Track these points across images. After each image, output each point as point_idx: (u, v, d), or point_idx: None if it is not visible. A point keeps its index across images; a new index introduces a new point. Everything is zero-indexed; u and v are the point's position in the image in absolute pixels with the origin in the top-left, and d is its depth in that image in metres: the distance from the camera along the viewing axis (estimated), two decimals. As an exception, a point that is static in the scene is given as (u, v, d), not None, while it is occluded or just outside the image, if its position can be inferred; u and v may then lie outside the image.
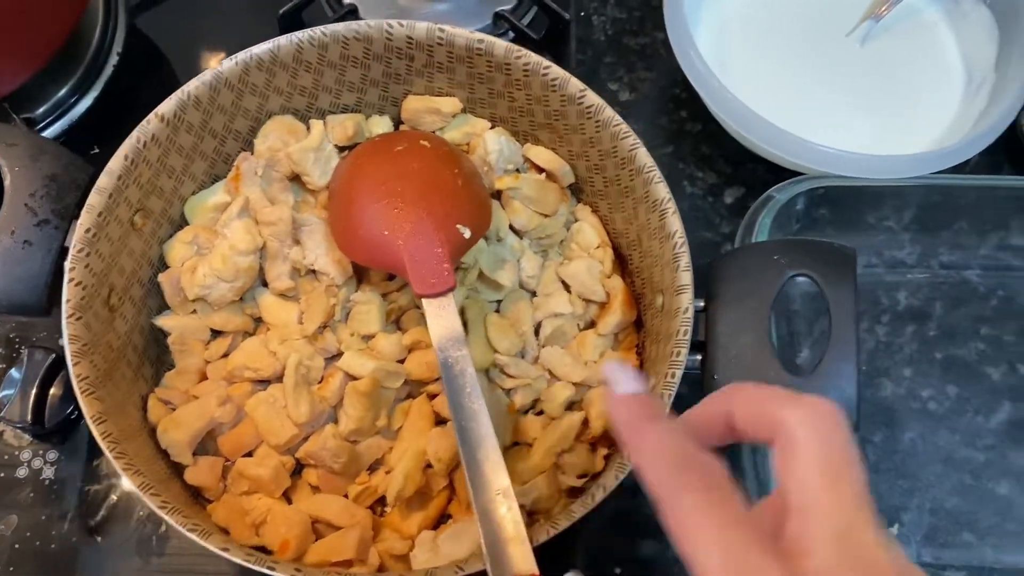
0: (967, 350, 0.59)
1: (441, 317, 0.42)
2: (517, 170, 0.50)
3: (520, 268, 0.49)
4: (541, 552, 0.37)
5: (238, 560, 0.38)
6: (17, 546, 0.52)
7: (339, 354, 0.48)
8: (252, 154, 0.51)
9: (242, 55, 0.47)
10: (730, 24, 0.64)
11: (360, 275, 0.49)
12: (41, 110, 0.62)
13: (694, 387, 0.43)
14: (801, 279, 0.41)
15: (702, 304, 0.42)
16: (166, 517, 0.39)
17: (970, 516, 0.55)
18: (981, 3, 0.63)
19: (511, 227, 0.50)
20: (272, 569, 0.38)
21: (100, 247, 0.44)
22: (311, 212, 0.50)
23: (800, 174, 0.57)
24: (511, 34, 0.67)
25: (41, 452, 0.53)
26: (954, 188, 0.60)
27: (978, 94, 0.61)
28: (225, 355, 0.49)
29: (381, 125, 0.52)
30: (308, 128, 0.51)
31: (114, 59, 0.63)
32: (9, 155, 0.45)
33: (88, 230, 0.43)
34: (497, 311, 0.49)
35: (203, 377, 0.49)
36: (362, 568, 0.44)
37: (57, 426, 0.52)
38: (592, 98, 0.45)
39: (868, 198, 0.61)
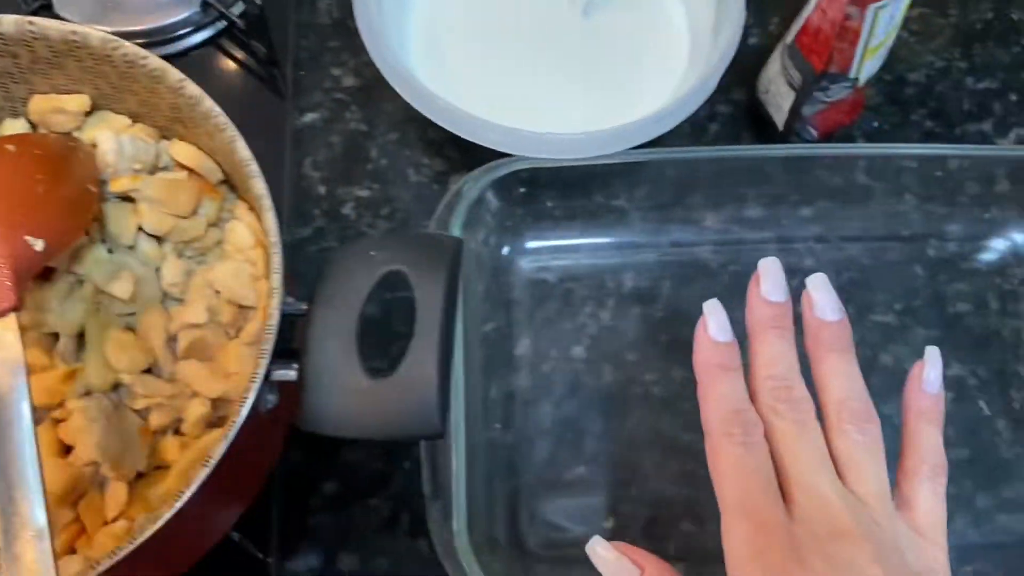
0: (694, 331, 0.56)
1: None
2: (160, 169, 0.46)
3: (160, 276, 0.46)
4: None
5: None
6: None
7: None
8: None
9: None
10: (445, 9, 0.61)
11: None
12: None
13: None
14: (397, 274, 0.37)
15: (305, 307, 0.39)
16: None
17: (691, 504, 0.52)
18: (705, -36, 0.60)
19: (151, 233, 0.46)
20: None
21: None
22: None
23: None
24: (221, 23, 0.63)
25: None
26: (688, 161, 0.58)
27: (701, 62, 0.59)
28: None
29: (14, 128, 0.48)
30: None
31: None
32: None
33: None
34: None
35: None
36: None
37: None
38: (192, 88, 0.41)
39: (598, 179, 0.58)
